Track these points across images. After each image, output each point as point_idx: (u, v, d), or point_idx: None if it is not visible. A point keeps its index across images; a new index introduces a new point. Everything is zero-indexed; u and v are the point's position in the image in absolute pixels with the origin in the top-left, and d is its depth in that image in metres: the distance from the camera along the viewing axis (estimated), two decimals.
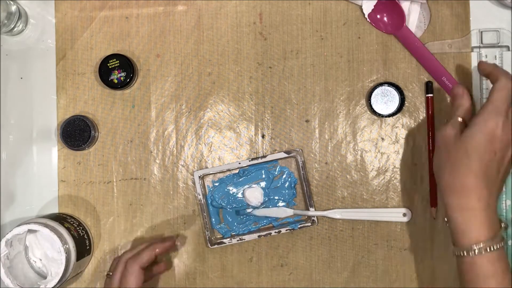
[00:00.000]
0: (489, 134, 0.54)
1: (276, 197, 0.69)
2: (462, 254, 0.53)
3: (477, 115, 0.56)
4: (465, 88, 0.59)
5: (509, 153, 0.56)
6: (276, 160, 0.69)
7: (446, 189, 0.55)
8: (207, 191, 0.70)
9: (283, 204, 0.69)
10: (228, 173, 0.70)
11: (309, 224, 0.68)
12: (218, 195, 0.69)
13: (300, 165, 0.68)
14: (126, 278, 0.62)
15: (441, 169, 0.56)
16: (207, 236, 0.68)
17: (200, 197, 0.68)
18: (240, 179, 0.69)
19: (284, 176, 0.69)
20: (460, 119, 0.58)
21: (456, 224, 0.54)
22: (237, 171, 0.70)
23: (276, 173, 0.69)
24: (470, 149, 0.54)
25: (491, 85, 0.67)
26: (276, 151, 0.69)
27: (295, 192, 0.69)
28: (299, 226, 0.68)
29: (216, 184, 0.70)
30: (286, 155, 0.68)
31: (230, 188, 0.69)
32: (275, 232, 0.68)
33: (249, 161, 0.69)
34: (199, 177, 0.69)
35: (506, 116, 0.55)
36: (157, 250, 0.64)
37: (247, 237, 0.68)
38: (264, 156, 0.69)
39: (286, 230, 0.68)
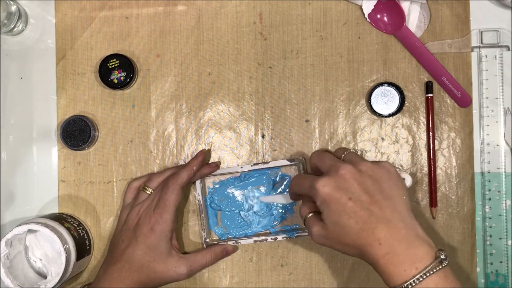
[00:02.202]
0: (337, 202, 0.53)
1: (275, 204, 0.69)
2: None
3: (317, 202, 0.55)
4: None
5: (368, 189, 0.53)
6: (278, 167, 0.69)
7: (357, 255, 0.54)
8: (207, 192, 0.70)
9: (281, 210, 0.69)
10: (229, 175, 0.70)
11: (306, 233, 0.68)
12: (217, 197, 0.69)
13: (302, 173, 0.68)
14: (166, 195, 0.63)
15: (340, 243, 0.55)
16: (203, 237, 0.68)
17: (199, 197, 0.68)
18: (241, 183, 0.69)
19: (285, 183, 0.69)
20: (309, 215, 0.58)
21: (379, 269, 0.52)
22: (238, 174, 0.70)
23: (277, 179, 0.69)
24: (337, 227, 0.53)
25: (491, 85, 0.68)
26: (276, 151, 0.69)
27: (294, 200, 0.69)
28: (295, 235, 0.68)
29: (217, 186, 0.70)
30: (288, 163, 0.68)
31: (230, 191, 0.69)
32: (271, 239, 0.68)
33: (251, 166, 0.69)
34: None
35: (332, 175, 0.54)
36: (194, 168, 0.65)
37: (243, 241, 0.68)
38: (266, 162, 0.69)
39: (283, 237, 0.68)
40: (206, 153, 0.68)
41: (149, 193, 0.65)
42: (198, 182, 0.68)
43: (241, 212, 0.69)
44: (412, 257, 0.50)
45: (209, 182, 0.70)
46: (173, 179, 0.64)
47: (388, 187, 0.54)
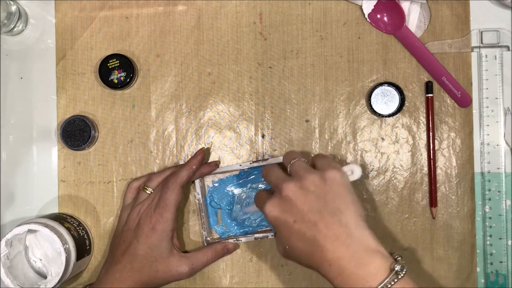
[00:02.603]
0: (284, 225, 0.53)
1: None
2: None
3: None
4: None
5: (312, 207, 0.52)
6: (277, 163, 0.69)
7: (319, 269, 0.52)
8: (206, 191, 0.70)
9: None
10: (228, 174, 0.70)
11: None
12: (217, 196, 0.69)
13: None
14: (167, 194, 0.63)
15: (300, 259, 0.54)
16: (204, 236, 0.68)
17: (199, 196, 0.68)
18: (240, 181, 0.69)
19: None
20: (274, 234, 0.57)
21: (332, 283, 0.50)
22: (237, 172, 0.70)
23: None
24: (290, 249, 0.53)
25: (491, 85, 0.68)
26: (276, 151, 0.69)
27: None
28: None
29: (216, 184, 0.70)
30: None
31: (230, 189, 0.69)
32: (272, 236, 0.68)
33: (250, 163, 0.69)
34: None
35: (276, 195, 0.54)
36: (193, 167, 0.65)
37: (243, 239, 0.68)
38: (265, 159, 0.69)
39: None
40: (205, 152, 0.68)
41: (149, 193, 0.65)
42: (197, 181, 0.68)
43: (238, 211, 0.69)
44: (365, 275, 0.48)
45: (209, 181, 0.70)
46: (173, 178, 0.64)
47: (332, 200, 0.52)
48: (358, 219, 0.52)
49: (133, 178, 0.69)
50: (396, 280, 0.47)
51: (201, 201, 0.68)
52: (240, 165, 0.69)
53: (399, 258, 0.49)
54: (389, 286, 0.47)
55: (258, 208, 0.58)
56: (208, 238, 0.69)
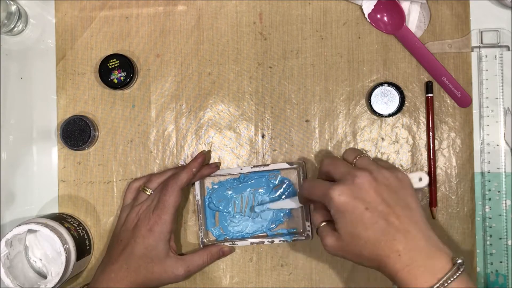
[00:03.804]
0: (354, 212, 0.52)
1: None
2: None
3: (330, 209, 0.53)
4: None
5: (385, 199, 0.52)
6: (278, 169, 0.69)
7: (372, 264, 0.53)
8: (206, 192, 0.70)
9: (279, 213, 0.69)
10: (228, 177, 0.70)
11: (303, 238, 0.68)
12: (216, 198, 0.69)
13: (302, 177, 0.68)
14: (166, 196, 0.63)
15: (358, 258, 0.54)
16: (200, 237, 0.69)
17: (198, 197, 0.68)
18: (240, 185, 0.69)
19: (284, 186, 0.69)
20: (322, 224, 0.57)
21: (398, 282, 0.51)
22: (238, 175, 0.70)
23: (276, 182, 0.69)
24: (352, 238, 0.52)
25: (491, 85, 0.68)
26: (276, 151, 0.69)
27: None
28: (292, 239, 0.68)
29: (216, 186, 0.70)
30: (288, 166, 0.68)
31: (229, 192, 0.69)
32: (268, 242, 0.68)
33: (251, 168, 0.68)
34: None
35: (348, 183, 0.53)
36: (194, 169, 0.65)
37: (239, 243, 0.68)
38: (266, 165, 0.68)
39: (280, 241, 0.68)
40: (206, 155, 0.68)
41: (149, 193, 0.65)
42: (197, 183, 0.68)
43: (236, 215, 0.69)
44: (433, 268, 0.49)
45: (208, 182, 0.70)
46: (172, 180, 0.64)
47: (404, 197, 0.53)
48: (425, 219, 0.53)
49: (133, 179, 0.69)
50: (457, 274, 0.49)
51: (199, 202, 0.68)
52: (241, 169, 0.69)
53: (460, 258, 0.51)
54: (453, 278, 0.49)
55: (312, 195, 0.56)
56: (205, 240, 0.69)
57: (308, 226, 0.67)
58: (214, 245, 0.68)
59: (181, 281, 0.66)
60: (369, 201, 0.52)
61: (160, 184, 0.66)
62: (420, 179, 0.59)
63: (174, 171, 0.66)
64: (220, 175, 0.69)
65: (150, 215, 0.63)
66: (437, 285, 0.48)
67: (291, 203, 0.67)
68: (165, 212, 0.62)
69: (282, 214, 0.69)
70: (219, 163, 0.70)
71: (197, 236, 0.69)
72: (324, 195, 0.53)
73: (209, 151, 0.70)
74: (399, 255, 0.50)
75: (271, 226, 0.69)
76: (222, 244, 0.68)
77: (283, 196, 0.69)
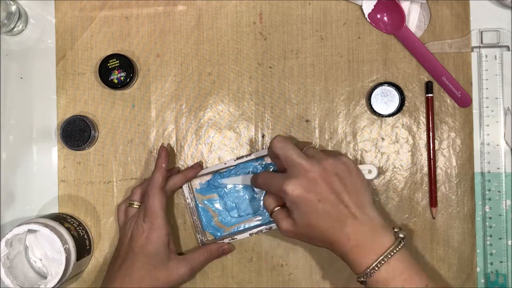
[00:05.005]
0: (307, 204, 0.56)
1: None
2: (363, 280, 0.55)
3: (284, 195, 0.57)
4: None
5: (335, 189, 0.56)
6: (262, 157, 0.69)
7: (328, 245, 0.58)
8: (194, 192, 0.70)
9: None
10: (215, 173, 0.70)
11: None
12: (208, 194, 0.70)
13: None
14: (149, 202, 0.63)
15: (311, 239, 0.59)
16: (199, 239, 0.69)
17: (189, 200, 0.68)
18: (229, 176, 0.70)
19: (271, 170, 0.69)
20: (276, 209, 0.60)
21: (347, 261, 0.56)
22: (224, 170, 0.70)
23: (262, 170, 0.69)
24: (307, 226, 0.57)
25: (491, 85, 0.68)
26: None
27: None
28: None
29: (205, 186, 0.70)
30: None
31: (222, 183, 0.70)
32: (266, 229, 0.68)
33: (234, 160, 0.69)
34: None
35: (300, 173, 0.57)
36: (163, 165, 0.65)
37: (238, 236, 0.68)
38: (249, 155, 0.69)
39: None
40: (166, 147, 0.67)
41: (136, 206, 0.66)
42: (185, 186, 0.68)
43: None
44: (377, 245, 0.55)
45: (196, 184, 0.70)
46: (149, 184, 0.64)
47: (350, 182, 0.57)
48: (370, 201, 0.58)
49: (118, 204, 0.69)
50: (398, 248, 0.54)
51: (191, 205, 0.68)
52: (225, 163, 0.69)
53: (399, 229, 0.56)
54: (393, 253, 0.54)
55: (267, 188, 0.60)
56: (204, 240, 0.69)
57: None
58: (213, 243, 0.68)
59: (187, 281, 0.66)
60: (320, 192, 0.56)
61: (142, 193, 0.66)
62: (370, 171, 0.65)
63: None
64: (206, 174, 0.69)
65: (142, 224, 0.63)
66: (379, 260, 0.54)
67: (241, 180, 0.69)
68: (155, 217, 0.62)
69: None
70: (201, 162, 0.70)
71: (195, 238, 0.69)
72: (279, 190, 0.57)
73: (169, 144, 0.70)
74: (348, 239, 0.55)
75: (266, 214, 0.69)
76: (222, 242, 0.68)
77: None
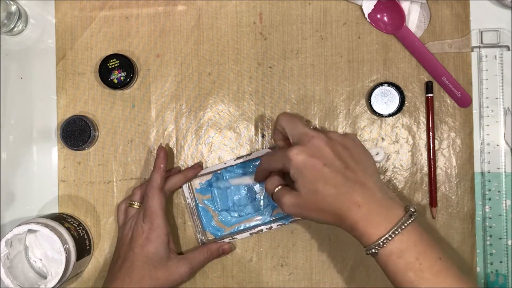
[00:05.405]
0: (313, 169, 0.54)
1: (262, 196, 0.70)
2: (375, 251, 0.53)
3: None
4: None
5: (341, 156, 0.55)
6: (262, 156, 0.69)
7: (330, 218, 0.55)
8: (194, 192, 0.70)
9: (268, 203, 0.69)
10: (215, 172, 0.70)
11: (300, 217, 0.68)
12: (207, 194, 0.70)
13: None
14: (148, 202, 0.63)
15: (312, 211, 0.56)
16: (199, 239, 0.69)
17: (189, 200, 0.68)
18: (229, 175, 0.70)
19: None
20: (277, 189, 0.58)
21: (358, 230, 0.54)
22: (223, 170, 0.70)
23: None
24: (313, 194, 0.54)
25: (491, 85, 0.68)
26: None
27: None
28: (290, 221, 0.68)
29: (204, 186, 0.70)
30: (270, 151, 0.68)
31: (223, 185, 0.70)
32: (267, 229, 0.68)
33: (234, 160, 0.69)
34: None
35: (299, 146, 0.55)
36: (161, 166, 0.65)
37: (239, 236, 0.68)
38: (249, 154, 0.69)
39: (278, 225, 0.68)
40: (165, 147, 0.67)
41: (137, 206, 0.66)
42: (185, 186, 0.68)
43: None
44: (389, 216, 0.53)
45: (196, 183, 0.70)
46: (148, 185, 0.64)
47: (357, 153, 0.56)
48: (378, 174, 0.57)
49: (118, 203, 0.70)
50: (410, 221, 0.52)
51: (191, 205, 0.68)
52: (225, 163, 0.69)
53: (410, 205, 0.55)
54: (406, 224, 0.52)
55: (270, 163, 0.59)
56: (204, 240, 0.69)
57: None
58: (214, 242, 0.68)
59: (187, 281, 0.66)
60: (326, 157, 0.54)
61: (142, 194, 0.66)
62: (377, 154, 0.64)
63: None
64: (206, 174, 0.69)
65: (142, 224, 0.63)
66: (392, 230, 0.52)
67: (249, 180, 0.68)
68: (154, 217, 0.63)
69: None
70: (201, 162, 0.70)
71: (195, 238, 0.69)
72: (283, 157, 0.55)
73: (167, 144, 0.70)
74: (359, 206, 0.53)
75: (266, 213, 0.69)
76: (222, 241, 0.68)
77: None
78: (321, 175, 0.53)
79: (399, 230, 0.52)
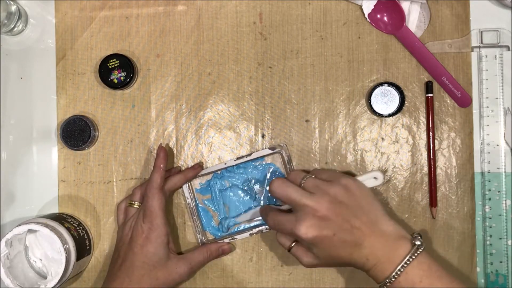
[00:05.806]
0: (324, 241, 0.56)
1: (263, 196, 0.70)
2: (389, 284, 0.55)
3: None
4: None
5: (345, 217, 0.56)
6: (262, 157, 0.69)
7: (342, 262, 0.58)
8: (194, 192, 0.70)
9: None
10: (215, 173, 0.70)
11: None
12: (207, 193, 0.70)
13: (286, 160, 0.68)
14: (148, 202, 0.63)
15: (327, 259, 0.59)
16: (199, 239, 0.69)
17: (189, 200, 0.68)
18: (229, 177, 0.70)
19: (271, 170, 0.69)
20: (293, 245, 0.60)
21: (369, 276, 0.57)
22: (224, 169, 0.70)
23: (262, 169, 0.69)
24: (328, 258, 0.58)
25: (491, 85, 0.68)
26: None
27: None
28: None
29: (204, 186, 0.70)
30: (271, 152, 0.68)
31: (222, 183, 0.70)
32: (266, 229, 0.68)
33: (234, 160, 0.69)
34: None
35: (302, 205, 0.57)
36: (161, 166, 0.65)
37: (238, 236, 0.68)
38: (249, 154, 0.69)
39: None
40: (165, 147, 0.67)
41: (137, 206, 0.66)
42: (185, 186, 0.68)
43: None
44: (394, 257, 0.55)
45: (196, 184, 0.70)
46: (148, 185, 0.64)
47: (358, 204, 0.57)
48: (381, 213, 0.58)
49: (118, 202, 0.70)
50: (416, 254, 0.54)
51: (191, 205, 0.68)
52: (225, 163, 0.69)
53: (418, 236, 0.56)
54: (412, 259, 0.54)
55: (280, 229, 0.60)
56: (204, 240, 0.69)
57: None
58: (213, 243, 0.68)
59: (186, 281, 0.66)
60: (334, 227, 0.56)
61: (143, 194, 0.66)
62: (376, 178, 0.62)
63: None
64: (206, 174, 0.69)
65: (141, 224, 0.63)
66: (395, 270, 0.54)
67: (254, 214, 0.70)
68: (154, 217, 0.63)
69: (274, 200, 0.69)
70: (202, 162, 0.70)
71: (195, 238, 0.69)
72: (292, 234, 0.57)
73: (167, 144, 0.70)
74: (367, 259, 0.56)
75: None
76: (222, 242, 0.68)
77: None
78: (333, 244, 0.56)
79: (402, 269, 0.54)
